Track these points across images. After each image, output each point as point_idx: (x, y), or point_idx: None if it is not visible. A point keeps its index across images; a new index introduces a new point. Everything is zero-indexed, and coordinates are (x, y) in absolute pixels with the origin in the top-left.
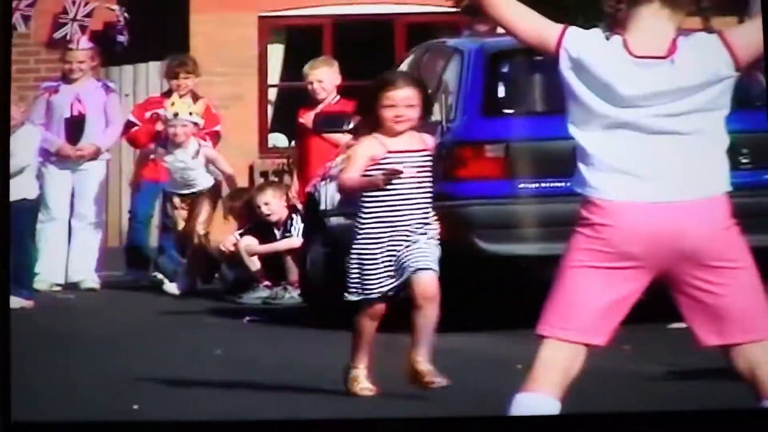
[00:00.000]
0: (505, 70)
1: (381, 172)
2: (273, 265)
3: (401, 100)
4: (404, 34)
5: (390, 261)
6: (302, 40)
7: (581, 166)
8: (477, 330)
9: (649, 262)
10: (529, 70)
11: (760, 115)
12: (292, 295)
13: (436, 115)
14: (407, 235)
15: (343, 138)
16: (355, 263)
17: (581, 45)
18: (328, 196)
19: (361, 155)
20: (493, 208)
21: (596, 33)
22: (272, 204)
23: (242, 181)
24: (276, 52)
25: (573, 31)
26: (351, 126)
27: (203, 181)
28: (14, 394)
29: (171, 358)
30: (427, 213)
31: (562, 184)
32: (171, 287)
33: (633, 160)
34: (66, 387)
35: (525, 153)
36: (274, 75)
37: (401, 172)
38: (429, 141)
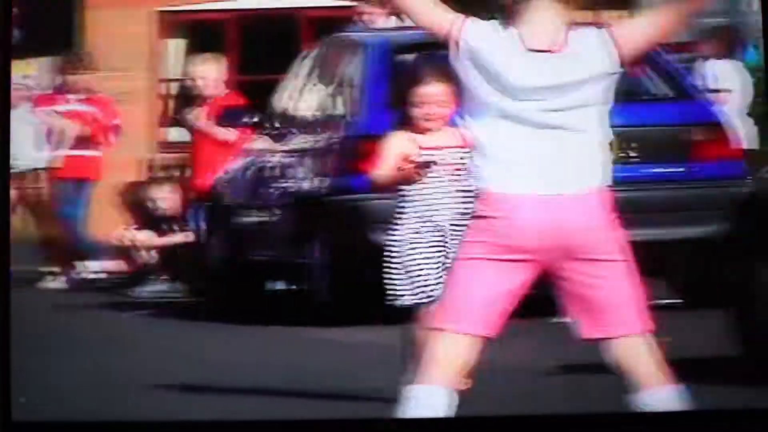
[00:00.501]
0: (409, 63)
1: (413, 166)
2: (169, 259)
3: (431, 97)
4: (309, 28)
5: (439, 262)
6: (204, 35)
7: (474, 158)
8: (383, 323)
9: (537, 254)
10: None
11: (648, 110)
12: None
13: (340, 109)
14: (448, 234)
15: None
16: (398, 265)
17: (479, 35)
18: (235, 189)
19: (391, 152)
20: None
21: (494, 24)
22: (169, 198)
23: (141, 176)
24: (177, 47)
25: (472, 21)
26: (254, 120)
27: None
28: (14, 394)
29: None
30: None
31: None
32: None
33: (521, 153)
34: (66, 387)
35: None
36: (174, 70)
37: (434, 163)
38: (467, 137)
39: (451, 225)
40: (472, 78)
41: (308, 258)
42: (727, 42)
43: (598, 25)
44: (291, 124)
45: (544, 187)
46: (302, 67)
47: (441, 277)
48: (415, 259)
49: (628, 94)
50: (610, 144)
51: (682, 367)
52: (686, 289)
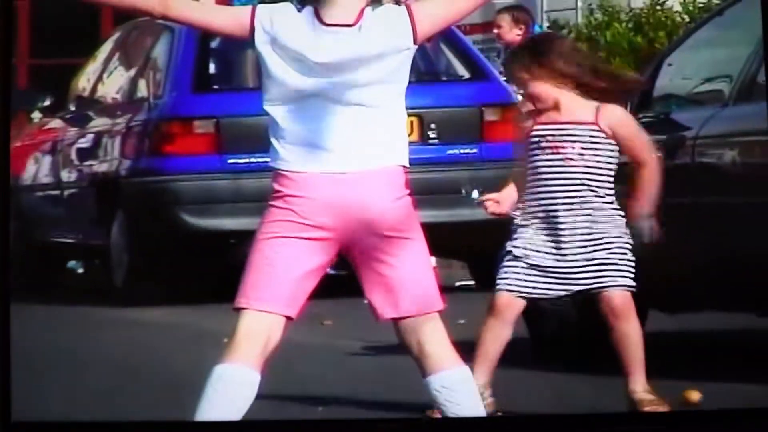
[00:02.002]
0: (215, 46)
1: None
2: None
3: None
4: (111, 12)
5: (543, 256)
6: None
7: (272, 140)
8: (184, 303)
9: (336, 232)
10: (240, 46)
11: (444, 90)
12: None
13: (143, 91)
14: (567, 228)
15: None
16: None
17: (273, 18)
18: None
19: None
20: (201, 183)
21: (287, 5)
22: None
23: None
24: None
25: (263, 7)
26: (45, 104)
27: None
28: (14, 394)
29: None
30: (605, 203)
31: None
32: None
33: (319, 132)
34: (66, 387)
35: (236, 128)
36: None
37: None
38: (607, 113)
39: (571, 216)
40: (273, 61)
41: (108, 239)
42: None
43: (396, 1)
44: (89, 106)
45: (339, 164)
46: (103, 50)
47: (545, 274)
48: (515, 248)
49: (425, 74)
50: (410, 124)
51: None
52: (479, 270)
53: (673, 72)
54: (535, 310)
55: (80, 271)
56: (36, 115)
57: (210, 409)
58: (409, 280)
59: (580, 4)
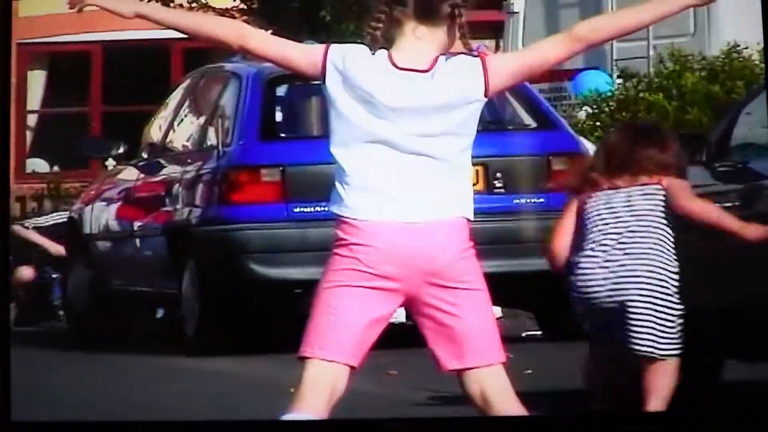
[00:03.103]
0: (282, 94)
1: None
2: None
3: None
4: (180, 59)
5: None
6: (68, 66)
7: (338, 186)
8: (253, 353)
9: (400, 282)
10: (306, 94)
11: (510, 139)
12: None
13: (212, 139)
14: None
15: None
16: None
17: (346, 58)
18: (93, 219)
19: None
20: (268, 233)
21: (361, 47)
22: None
23: None
24: (38, 78)
25: (337, 46)
26: (119, 151)
27: None
28: (14, 394)
29: None
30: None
31: None
32: None
33: (386, 179)
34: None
35: (301, 177)
36: (34, 101)
37: None
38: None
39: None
40: (341, 102)
41: (180, 288)
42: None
43: (472, 53)
44: (160, 154)
45: (406, 213)
46: (173, 98)
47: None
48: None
49: (491, 122)
50: (475, 173)
51: (541, 399)
52: (546, 320)
53: (752, 121)
54: None
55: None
56: (110, 163)
57: None
58: (473, 332)
59: (651, 53)
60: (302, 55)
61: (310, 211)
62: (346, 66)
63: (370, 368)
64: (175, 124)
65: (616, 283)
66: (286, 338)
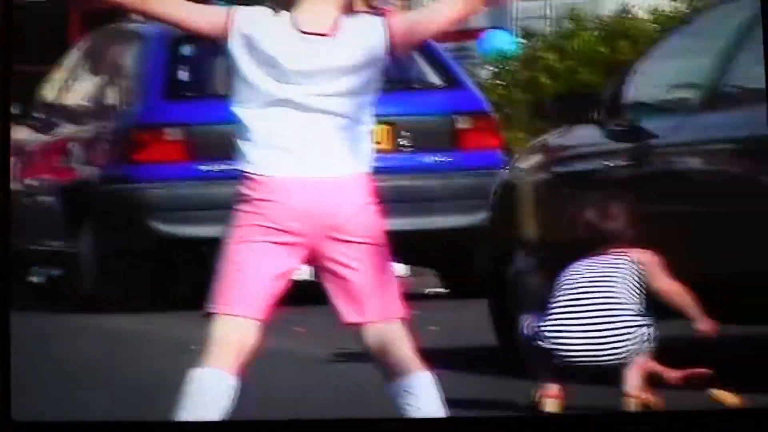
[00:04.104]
0: (187, 54)
1: None
2: None
3: None
4: (79, 19)
5: None
6: None
7: (241, 143)
8: (154, 311)
9: (303, 237)
10: (212, 54)
11: (417, 98)
12: None
13: (112, 99)
14: None
15: None
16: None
17: (251, 21)
18: None
19: None
20: (172, 191)
21: (264, 9)
22: None
23: None
24: None
25: (240, 9)
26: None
27: None
28: (14, 394)
29: None
30: None
31: None
32: None
33: (290, 137)
34: (66, 387)
35: (206, 136)
36: None
37: None
38: None
39: None
40: (245, 65)
41: (78, 247)
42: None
43: (375, 12)
44: (56, 114)
45: (308, 169)
46: (70, 58)
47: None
48: None
49: (398, 82)
50: (382, 132)
51: (442, 355)
52: (450, 278)
53: (642, 80)
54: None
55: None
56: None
57: (188, 414)
58: (372, 286)
59: (549, 12)
60: (206, 18)
61: (215, 170)
62: (251, 30)
63: (277, 325)
64: (71, 84)
65: (588, 345)
66: (191, 297)
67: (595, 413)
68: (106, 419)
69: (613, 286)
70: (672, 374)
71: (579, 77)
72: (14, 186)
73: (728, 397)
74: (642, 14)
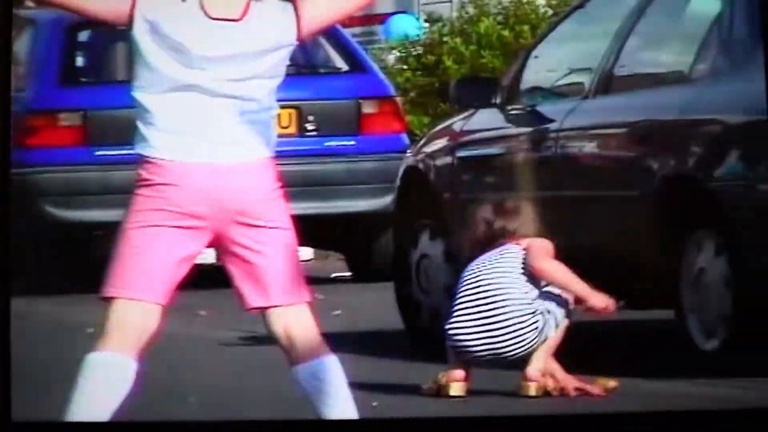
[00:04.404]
0: (84, 39)
1: None
2: None
3: None
4: None
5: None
6: None
7: (142, 127)
8: (45, 294)
9: (207, 221)
10: (111, 39)
11: (325, 82)
12: None
13: None
14: None
15: None
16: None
17: (155, 6)
18: None
19: None
20: (67, 175)
21: None
22: None
23: None
24: None
25: None
26: None
27: None
28: (14, 394)
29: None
30: None
31: None
32: None
33: (194, 122)
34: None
35: (104, 121)
36: None
37: None
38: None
39: None
40: (150, 51)
41: None
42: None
43: None
44: None
45: (213, 155)
46: None
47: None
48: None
49: (304, 66)
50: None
51: (346, 339)
52: (355, 263)
53: (539, 65)
54: (410, 303)
55: None
56: None
57: (85, 398)
58: (278, 270)
59: None
60: (106, 3)
61: (113, 155)
62: (156, 16)
63: (180, 309)
64: None
65: (485, 334)
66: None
67: (595, 413)
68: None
69: (502, 278)
70: (569, 384)
71: (483, 62)
72: None
73: (608, 382)
74: None
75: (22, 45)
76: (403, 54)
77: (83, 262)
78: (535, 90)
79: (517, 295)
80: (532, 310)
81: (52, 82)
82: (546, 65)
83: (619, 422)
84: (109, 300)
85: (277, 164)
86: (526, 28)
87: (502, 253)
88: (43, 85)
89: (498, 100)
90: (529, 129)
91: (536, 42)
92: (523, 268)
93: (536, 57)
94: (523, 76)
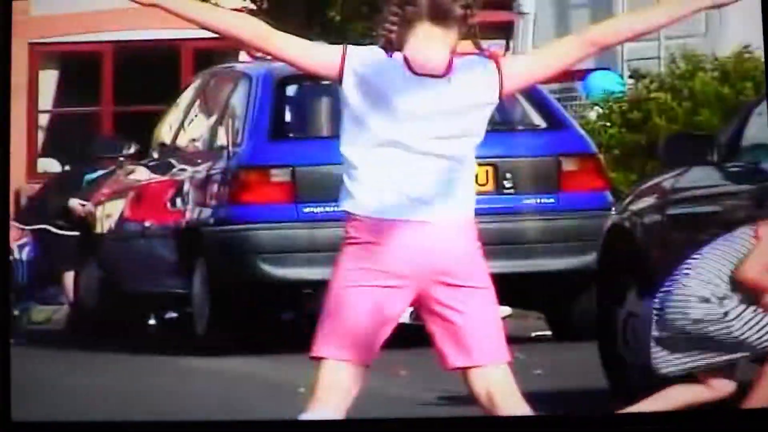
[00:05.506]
0: (292, 94)
1: None
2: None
3: None
4: (191, 59)
5: None
6: (80, 66)
7: (348, 184)
8: (262, 353)
9: (411, 281)
10: (317, 94)
11: (520, 139)
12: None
13: (222, 139)
14: None
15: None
16: None
17: (364, 61)
18: (104, 218)
19: None
20: (278, 233)
21: (377, 50)
22: None
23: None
24: (50, 78)
25: (354, 48)
26: (130, 151)
27: None
28: (14, 394)
29: None
30: None
31: None
32: None
33: (397, 178)
34: (66, 387)
35: (310, 177)
36: (46, 101)
37: None
38: None
39: None
40: (358, 105)
41: (190, 288)
42: None
43: (485, 54)
44: (171, 154)
45: (417, 212)
46: (184, 98)
47: None
48: None
49: (501, 123)
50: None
51: (550, 400)
52: (555, 321)
53: (763, 122)
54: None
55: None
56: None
57: None
58: (479, 330)
59: (663, 53)
60: (320, 56)
61: (320, 212)
62: (364, 69)
63: (379, 367)
64: (186, 124)
65: None
66: (295, 339)
67: (595, 413)
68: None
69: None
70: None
71: (699, 119)
72: (130, 226)
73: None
74: (761, 54)
75: (237, 99)
76: (605, 111)
77: (293, 321)
78: (758, 146)
79: None
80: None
81: (263, 137)
82: None
83: (619, 422)
84: (318, 360)
85: (476, 223)
86: (749, 84)
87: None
88: (255, 140)
89: (714, 158)
90: (752, 186)
91: (761, 98)
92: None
93: (760, 114)
94: (744, 132)
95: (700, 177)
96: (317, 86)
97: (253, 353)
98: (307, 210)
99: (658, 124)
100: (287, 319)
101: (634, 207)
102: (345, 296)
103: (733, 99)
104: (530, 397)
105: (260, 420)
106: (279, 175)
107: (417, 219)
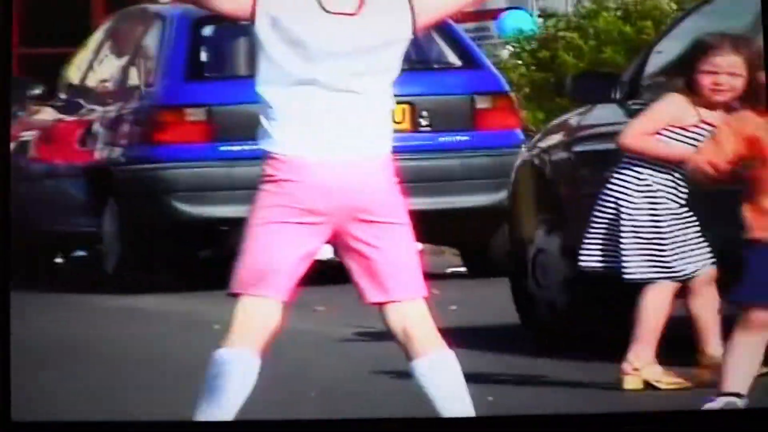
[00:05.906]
0: (209, 34)
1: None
2: None
3: (724, 68)
4: (102, 1)
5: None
6: None
7: (265, 123)
8: (174, 291)
9: (328, 217)
10: (233, 35)
11: (439, 78)
12: None
13: (135, 80)
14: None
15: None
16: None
17: (276, 1)
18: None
19: (664, 113)
20: (193, 171)
21: None
22: None
23: None
24: None
25: None
26: (37, 92)
27: None
28: (14, 394)
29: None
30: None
31: None
32: None
33: (315, 117)
34: (66, 387)
35: (227, 116)
36: None
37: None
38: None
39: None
40: (272, 45)
41: (101, 227)
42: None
43: None
44: (79, 95)
45: (334, 150)
46: (94, 39)
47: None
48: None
49: (417, 62)
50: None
51: (463, 334)
52: (471, 257)
53: (663, 60)
54: (526, 298)
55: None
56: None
57: (214, 394)
58: (396, 265)
59: None
60: (238, 1)
61: (237, 150)
62: (277, 10)
63: (298, 305)
64: (96, 65)
65: None
66: (210, 277)
67: (595, 413)
68: (109, 414)
69: None
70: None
71: (604, 57)
72: (37, 167)
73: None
74: None
75: (150, 40)
76: (516, 50)
77: (210, 258)
78: (657, 85)
79: None
80: None
81: (178, 78)
82: (669, 61)
83: (619, 422)
84: (235, 296)
85: (393, 160)
86: (649, 23)
87: None
88: (171, 81)
89: (618, 96)
90: None
91: (660, 37)
92: None
93: (659, 52)
94: (645, 71)
95: (604, 115)
96: (234, 27)
97: (167, 291)
98: (223, 149)
99: (567, 62)
100: (205, 257)
101: (543, 144)
102: (262, 233)
103: (634, 37)
104: (445, 332)
105: (260, 420)
106: (194, 115)
107: (334, 156)
